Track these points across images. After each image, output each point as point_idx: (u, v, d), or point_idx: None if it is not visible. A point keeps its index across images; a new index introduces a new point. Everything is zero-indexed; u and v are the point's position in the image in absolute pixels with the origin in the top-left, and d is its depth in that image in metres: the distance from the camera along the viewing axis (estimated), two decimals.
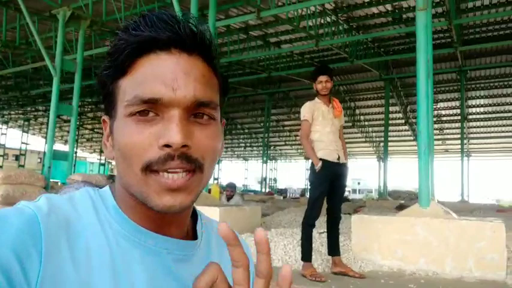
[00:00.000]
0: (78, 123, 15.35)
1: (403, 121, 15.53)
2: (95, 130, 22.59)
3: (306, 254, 3.05)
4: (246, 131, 20.64)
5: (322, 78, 3.15)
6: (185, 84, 0.41)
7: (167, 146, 0.39)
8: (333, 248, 3.13)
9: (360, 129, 17.50)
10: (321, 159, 3.03)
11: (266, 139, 17.06)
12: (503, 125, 15.71)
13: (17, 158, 21.45)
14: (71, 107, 7.11)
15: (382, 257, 3.36)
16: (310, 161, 3.14)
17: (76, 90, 7.07)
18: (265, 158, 17.65)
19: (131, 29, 0.42)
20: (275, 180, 22.32)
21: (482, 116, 15.08)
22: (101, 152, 22.17)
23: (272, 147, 21.81)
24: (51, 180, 6.74)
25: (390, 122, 13.70)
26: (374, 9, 8.62)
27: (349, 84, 14.05)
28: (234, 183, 7.06)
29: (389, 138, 13.73)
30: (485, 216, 5.30)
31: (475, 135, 16.93)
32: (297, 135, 19.14)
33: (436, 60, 10.27)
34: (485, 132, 16.63)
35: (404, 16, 8.79)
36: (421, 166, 3.57)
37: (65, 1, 7.39)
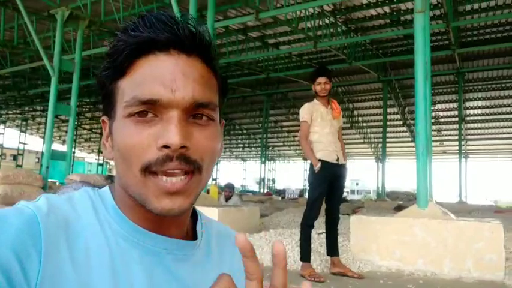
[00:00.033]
0: (76, 123, 15.31)
1: (401, 122, 15.57)
2: (93, 130, 22.54)
3: (305, 255, 3.05)
4: (245, 131, 20.64)
5: (321, 79, 3.16)
6: (184, 85, 0.41)
7: (166, 147, 0.39)
8: (332, 249, 3.13)
9: (358, 130, 17.54)
10: (320, 160, 3.03)
11: (264, 140, 17.07)
12: (501, 127, 15.78)
13: (14, 157, 21.37)
14: (69, 107, 7.10)
15: (381, 257, 3.37)
16: (309, 161, 3.15)
17: (74, 90, 7.05)
18: (263, 159, 17.64)
19: (130, 30, 0.42)
20: (273, 180, 22.33)
21: (479, 118, 15.14)
22: (99, 152, 22.13)
23: (270, 148, 21.81)
24: (49, 180, 6.72)
25: (388, 123, 13.73)
26: (372, 11, 8.64)
27: (348, 86, 14.07)
28: (233, 183, 7.06)
29: (388, 140, 13.76)
30: (483, 217, 5.32)
31: (472, 137, 17.00)
32: (295, 136, 19.16)
33: (434, 62, 10.31)
34: (482, 134, 16.70)
35: (402, 18, 8.82)
36: (419, 167, 3.59)
37: (63, 1, 7.37)
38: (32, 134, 23.69)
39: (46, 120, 7.14)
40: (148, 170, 0.40)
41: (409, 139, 16.73)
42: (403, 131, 16.81)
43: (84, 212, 0.42)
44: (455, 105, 13.67)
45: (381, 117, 13.80)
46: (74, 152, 19.43)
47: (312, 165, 3.07)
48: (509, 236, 3.94)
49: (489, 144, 17.95)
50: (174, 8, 5.40)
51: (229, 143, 23.07)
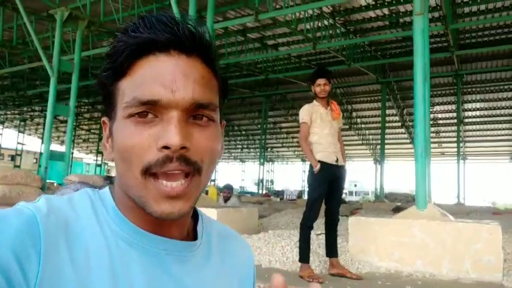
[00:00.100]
0: (74, 123, 15.27)
1: (399, 124, 15.61)
2: (92, 131, 22.51)
3: (304, 256, 3.05)
4: (243, 132, 20.64)
5: (321, 81, 3.16)
6: (184, 85, 0.41)
7: (166, 147, 0.39)
8: (331, 250, 3.13)
9: (357, 131, 17.57)
10: (319, 161, 3.04)
11: (263, 141, 17.08)
12: (498, 129, 15.84)
13: (12, 158, 21.31)
14: (68, 107, 7.09)
15: (379, 258, 3.37)
16: (308, 163, 3.15)
17: (73, 91, 7.04)
18: (262, 160, 17.64)
19: (130, 31, 0.42)
20: (272, 182, 22.32)
21: (478, 120, 15.19)
22: (98, 152, 22.08)
23: (269, 149, 21.82)
24: (47, 181, 6.70)
25: (387, 125, 13.77)
26: (371, 13, 8.67)
27: (346, 87, 14.10)
28: (231, 184, 7.05)
29: (386, 141, 13.79)
30: (481, 218, 5.33)
31: (470, 139, 17.06)
32: (294, 138, 19.17)
33: (433, 64, 10.33)
34: (480, 136, 16.76)
35: (401, 20, 8.85)
36: (418, 169, 3.59)
37: (62, 1, 7.37)
38: (30, 134, 23.64)
39: (44, 120, 7.13)
40: (148, 172, 0.40)
41: (408, 141, 16.76)
42: (401, 133, 16.84)
43: (84, 213, 0.42)
44: (453, 107, 13.72)
45: (379, 119, 13.83)
46: (72, 153, 19.41)
47: (311, 167, 3.07)
48: (508, 237, 3.96)
49: (487, 146, 18.01)
50: (173, 9, 5.40)
51: (228, 144, 23.06)
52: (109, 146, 0.45)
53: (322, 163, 3.03)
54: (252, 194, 19.39)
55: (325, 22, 8.79)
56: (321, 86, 3.15)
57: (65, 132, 16.23)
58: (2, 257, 0.34)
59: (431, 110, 13.60)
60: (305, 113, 3.17)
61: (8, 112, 20.23)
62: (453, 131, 14.80)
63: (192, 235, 0.50)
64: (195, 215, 0.52)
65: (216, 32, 8.76)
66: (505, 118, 14.65)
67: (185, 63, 0.42)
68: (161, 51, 0.42)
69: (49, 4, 7.43)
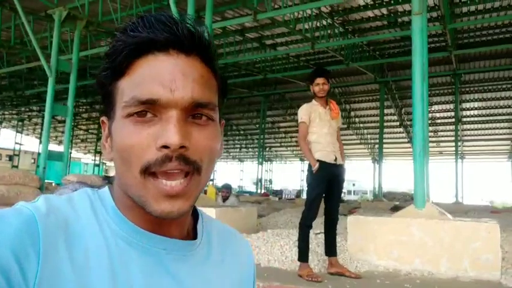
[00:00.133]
0: (72, 123, 15.24)
1: (397, 123, 15.64)
2: (90, 131, 22.45)
3: (303, 255, 3.06)
4: (242, 132, 20.63)
5: (320, 80, 3.17)
6: (183, 85, 0.41)
7: (165, 147, 0.39)
8: (330, 249, 3.14)
9: (355, 131, 17.59)
10: (318, 160, 3.04)
11: (261, 140, 17.08)
12: (496, 128, 15.89)
13: (10, 158, 21.22)
14: (66, 107, 7.07)
15: (378, 257, 3.38)
16: (307, 162, 3.15)
17: (71, 91, 7.02)
18: (260, 160, 17.65)
19: (129, 30, 0.42)
20: (270, 181, 22.34)
21: (476, 119, 15.24)
22: (96, 152, 22.02)
23: (267, 149, 21.82)
24: (45, 181, 6.68)
25: (385, 124, 13.78)
26: (370, 13, 8.68)
27: (345, 87, 14.11)
28: (230, 184, 7.06)
29: (384, 140, 13.80)
30: (479, 217, 5.35)
31: (468, 138, 17.10)
32: (293, 137, 19.18)
33: (431, 63, 10.35)
34: (478, 135, 16.81)
35: (399, 20, 8.86)
36: (416, 168, 3.60)
37: (61, 1, 7.35)
38: (28, 134, 23.54)
39: (42, 120, 7.11)
40: (147, 171, 0.40)
41: (406, 140, 16.80)
42: (399, 132, 16.88)
43: (83, 212, 0.42)
44: (451, 106, 13.76)
45: (377, 118, 13.84)
46: (70, 153, 19.36)
47: (310, 166, 3.07)
48: (506, 236, 3.97)
49: (485, 145, 18.07)
50: (172, 9, 5.39)
51: (227, 143, 23.06)
52: (108, 146, 0.45)
53: (321, 162, 3.03)
54: (250, 193, 19.38)
55: (324, 22, 8.80)
56: (319, 85, 3.16)
57: (63, 132, 16.18)
58: (2, 257, 0.34)
59: (429, 109, 13.62)
60: (304, 112, 3.17)
61: (6, 112, 20.17)
62: (451, 130, 14.86)
63: (192, 234, 0.50)
64: (195, 214, 0.51)
65: (214, 31, 8.75)
66: (503, 117, 14.70)
67: (184, 62, 0.42)
68: (160, 50, 0.42)
69: (47, 4, 7.41)
